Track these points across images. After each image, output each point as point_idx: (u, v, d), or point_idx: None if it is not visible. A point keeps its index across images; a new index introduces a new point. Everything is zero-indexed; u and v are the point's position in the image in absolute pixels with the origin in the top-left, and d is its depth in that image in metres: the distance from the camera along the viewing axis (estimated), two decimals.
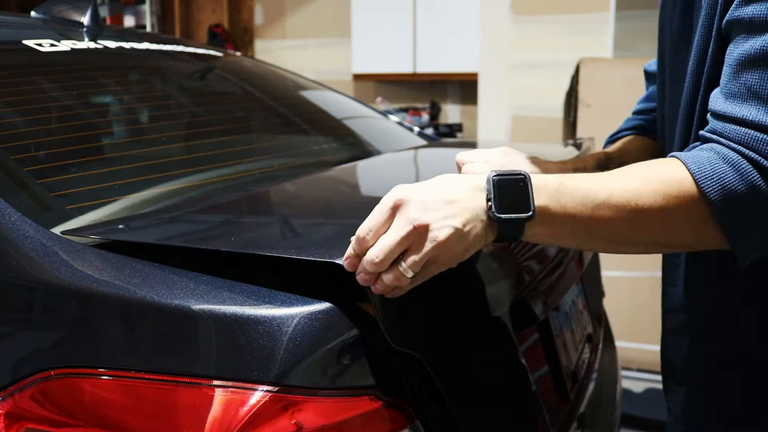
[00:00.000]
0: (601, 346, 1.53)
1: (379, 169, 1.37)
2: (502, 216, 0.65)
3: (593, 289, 1.58)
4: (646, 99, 1.13)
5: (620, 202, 0.67)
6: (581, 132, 3.14)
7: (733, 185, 0.66)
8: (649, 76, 1.13)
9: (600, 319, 1.60)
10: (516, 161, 0.87)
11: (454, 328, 0.81)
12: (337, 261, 0.67)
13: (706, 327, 0.84)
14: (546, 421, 0.95)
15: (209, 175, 1.19)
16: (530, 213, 0.66)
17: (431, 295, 0.76)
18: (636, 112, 1.13)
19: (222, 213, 1.00)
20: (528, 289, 1.01)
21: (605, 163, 1.00)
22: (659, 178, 0.68)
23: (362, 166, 1.38)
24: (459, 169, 0.87)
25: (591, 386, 1.33)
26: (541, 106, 3.60)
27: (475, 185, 0.67)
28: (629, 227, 0.68)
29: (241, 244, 0.80)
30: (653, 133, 1.06)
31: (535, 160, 0.90)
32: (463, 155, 0.88)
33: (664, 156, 0.76)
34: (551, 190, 0.67)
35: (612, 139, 1.12)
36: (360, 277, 0.65)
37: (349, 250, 0.66)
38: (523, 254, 1.02)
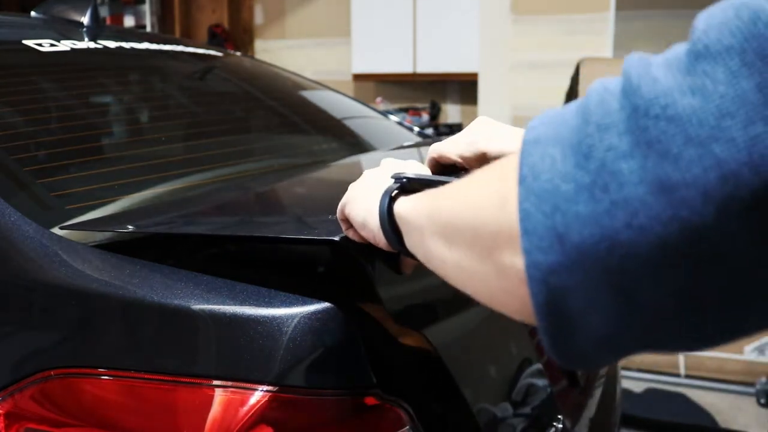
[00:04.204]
0: None
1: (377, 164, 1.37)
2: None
3: None
4: None
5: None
6: None
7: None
8: None
9: None
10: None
11: (457, 308, 0.80)
12: (335, 238, 0.66)
13: None
14: (555, 406, 0.95)
15: (209, 175, 1.19)
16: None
17: (432, 277, 0.77)
18: None
19: (221, 207, 1.00)
20: None
21: None
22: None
23: (361, 160, 1.38)
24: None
25: (603, 374, 1.33)
26: (541, 106, 3.60)
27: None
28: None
29: (243, 230, 0.81)
30: None
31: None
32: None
33: None
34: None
35: None
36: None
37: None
38: None
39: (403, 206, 0.56)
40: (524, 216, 0.36)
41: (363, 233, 0.62)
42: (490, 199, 0.40)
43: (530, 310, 0.37)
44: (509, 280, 0.39)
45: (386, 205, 0.57)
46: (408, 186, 0.59)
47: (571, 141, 0.35)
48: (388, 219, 0.57)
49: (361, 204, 0.62)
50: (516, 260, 0.37)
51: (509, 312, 0.42)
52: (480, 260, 0.41)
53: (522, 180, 0.36)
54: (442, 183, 0.58)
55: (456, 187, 0.47)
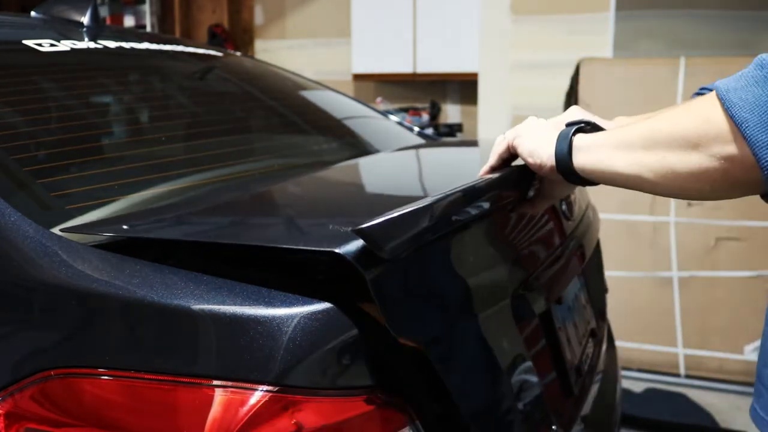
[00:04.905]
0: (605, 341, 1.52)
1: (378, 167, 1.37)
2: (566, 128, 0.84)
3: (596, 284, 1.58)
4: None
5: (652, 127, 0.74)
6: None
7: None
8: None
9: (603, 314, 1.60)
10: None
11: (455, 319, 0.81)
12: (337, 250, 0.66)
13: None
14: (549, 416, 0.95)
15: (209, 175, 1.19)
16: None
17: (432, 287, 0.77)
18: None
19: (222, 210, 1.00)
20: (530, 280, 1.01)
21: None
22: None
23: (362, 163, 1.38)
24: None
25: (597, 381, 1.33)
26: (541, 106, 3.60)
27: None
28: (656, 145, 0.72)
29: (243, 238, 0.80)
30: None
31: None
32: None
33: None
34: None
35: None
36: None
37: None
38: (524, 245, 1.03)
39: (582, 140, 0.81)
40: (742, 121, 0.62)
41: (529, 160, 0.86)
42: (690, 120, 0.67)
43: (721, 183, 0.67)
44: (718, 163, 0.65)
45: (568, 140, 0.81)
46: (582, 128, 0.83)
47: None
48: (568, 148, 0.81)
49: (530, 140, 0.87)
50: (728, 148, 0.64)
51: (697, 187, 0.69)
52: (676, 154, 0.68)
53: (728, 101, 0.63)
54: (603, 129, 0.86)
55: (654, 118, 0.74)
